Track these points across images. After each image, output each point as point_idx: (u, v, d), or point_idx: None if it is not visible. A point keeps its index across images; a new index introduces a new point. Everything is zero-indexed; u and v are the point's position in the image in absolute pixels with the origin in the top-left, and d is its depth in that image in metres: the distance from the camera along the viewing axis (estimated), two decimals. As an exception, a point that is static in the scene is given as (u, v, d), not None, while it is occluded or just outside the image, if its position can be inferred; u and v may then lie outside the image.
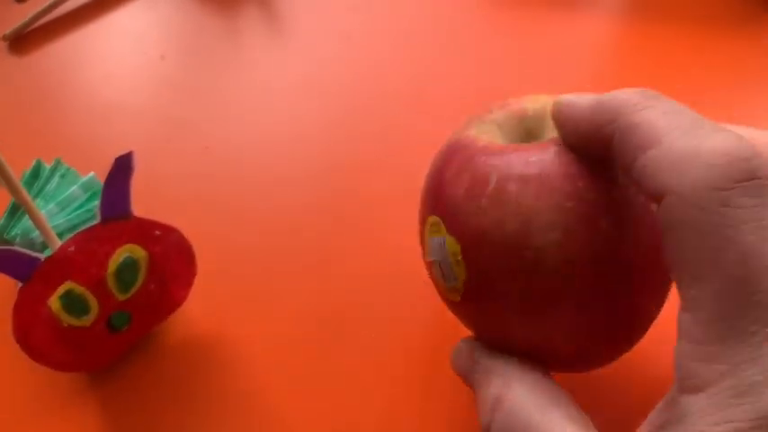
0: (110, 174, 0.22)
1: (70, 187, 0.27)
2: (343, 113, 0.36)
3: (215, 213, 0.31)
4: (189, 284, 0.26)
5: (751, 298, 0.13)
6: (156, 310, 0.25)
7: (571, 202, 0.17)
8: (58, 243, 0.22)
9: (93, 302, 0.23)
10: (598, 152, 0.16)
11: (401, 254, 0.29)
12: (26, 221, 0.26)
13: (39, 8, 0.43)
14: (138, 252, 0.23)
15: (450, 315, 0.22)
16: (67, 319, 0.23)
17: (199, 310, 0.27)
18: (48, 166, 0.28)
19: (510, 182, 0.18)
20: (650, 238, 0.18)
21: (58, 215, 0.26)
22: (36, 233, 0.26)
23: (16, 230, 0.26)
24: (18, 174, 0.34)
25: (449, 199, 0.19)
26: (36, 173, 0.28)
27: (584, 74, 0.37)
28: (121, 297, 0.24)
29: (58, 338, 0.23)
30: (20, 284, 0.21)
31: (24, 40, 0.43)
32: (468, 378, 0.18)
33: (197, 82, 0.39)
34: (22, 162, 0.34)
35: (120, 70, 0.40)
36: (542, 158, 0.18)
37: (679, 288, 0.14)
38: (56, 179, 0.28)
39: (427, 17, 0.42)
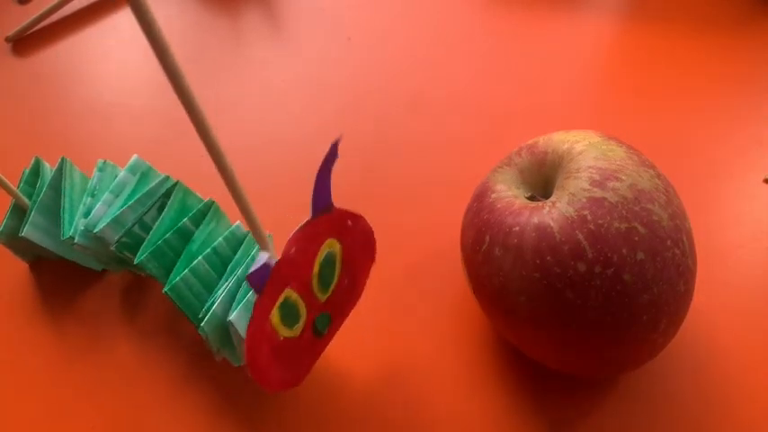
0: (323, 164, 0.19)
1: (112, 178, 0.27)
2: (343, 113, 0.35)
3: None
4: (368, 274, 0.24)
5: None
6: (347, 306, 0.23)
7: (538, 273, 0.20)
8: (270, 244, 0.19)
9: (303, 308, 0.21)
10: None
11: (406, 250, 0.29)
12: (66, 222, 0.26)
13: (41, 10, 0.42)
14: (335, 246, 0.21)
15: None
16: (283, 332, 0.20)
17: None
18: (48, 165, 0.29)
19: (496, 247, 0.21)
20: (617, 304, 0.20)
21: (115, 203, 0.26)
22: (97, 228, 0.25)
23: (71, 231, 0.26)
24: (19, 172, 0.33)
25: (464, 241, 0.23)
26: (36, 171, 0.28)
27: (582, 75, 0.37)
28: (322, 298, 0.22)
29: (275, 355, 0.20)
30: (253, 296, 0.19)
31: (27, 41, 0.41)
32: None
33: (198, 83, 0.37)
34: (23, 161, 0.33)
35: (121, 71, 0.39)
36: (524, 229, 0.20)
37: None
38: (77, 176, 0.28)
39: (427, 18, 0.41)
